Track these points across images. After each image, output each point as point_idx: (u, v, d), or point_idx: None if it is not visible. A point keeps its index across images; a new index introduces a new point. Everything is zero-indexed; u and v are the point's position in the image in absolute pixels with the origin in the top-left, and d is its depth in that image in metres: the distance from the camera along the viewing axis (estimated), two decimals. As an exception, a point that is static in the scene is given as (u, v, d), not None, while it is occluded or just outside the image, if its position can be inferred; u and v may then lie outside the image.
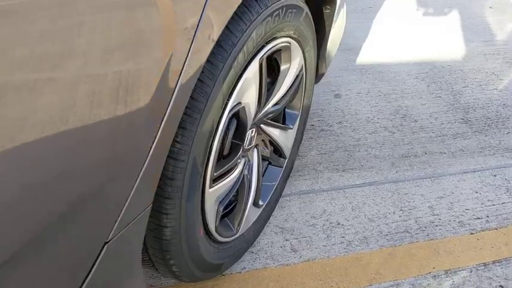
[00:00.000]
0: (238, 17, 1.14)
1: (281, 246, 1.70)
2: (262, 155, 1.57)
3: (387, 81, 2.62)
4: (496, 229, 1.80)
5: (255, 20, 1.17)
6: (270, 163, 1.66)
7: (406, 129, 2.27)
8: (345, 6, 2.01)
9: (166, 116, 0.93)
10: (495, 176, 2.04)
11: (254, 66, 1.25)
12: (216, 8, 0.99)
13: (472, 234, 1.78)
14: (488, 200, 1.92)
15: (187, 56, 0.93)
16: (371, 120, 2.33)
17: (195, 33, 0.93)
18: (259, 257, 1.66)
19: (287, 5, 1.29)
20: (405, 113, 2.38)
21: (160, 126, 0.92)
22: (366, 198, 1.91)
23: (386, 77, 2.66)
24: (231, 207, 1.50)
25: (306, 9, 1.43)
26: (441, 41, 2.99)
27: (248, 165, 1.47)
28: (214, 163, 1.22)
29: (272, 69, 1.47)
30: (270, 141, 1.58)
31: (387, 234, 1.77)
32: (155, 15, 0.83)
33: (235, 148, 1.36)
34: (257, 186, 1.54)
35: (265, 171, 1.66)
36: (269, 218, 1.74)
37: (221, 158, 1.33)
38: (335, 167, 2.05)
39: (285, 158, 1.69)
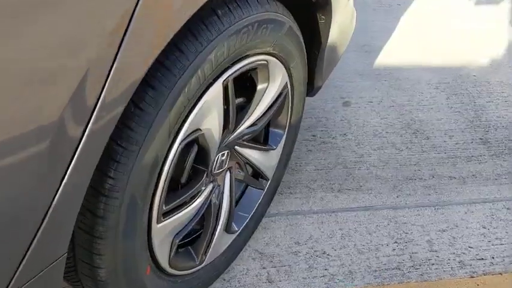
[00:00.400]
0: (192, 35, 1.00)
1: (256, 275, 1.57)
2: (237, 178, 1.42)
3: (403, 90, 2.41)
4: (501, 274, 1.61)
5: (214, 39, 1.02)
6: (248, 185, 1.52)
7: (416, 147, 2.08)
8: (352, 8, 1.82)
9: (77, 152, 0.80)
10: (508, 209, 1.83)
11: (216, 90, 1.10)
12: (149, 24, 0.84)
13: (472, 277, 1.60)
14: (497, 238, 1.72)
15: (107, 79, 0.79)
16: (379, 134, 2.14)
17: (117, 53, 0.78)
18: (231, 285, 1.53)
19: (260, 20, 1.13)
20: (417, 128, 2.18)
21: (68, 167, 0.79)
22: (358, 224, 1.75)
23: (403, 85, 2.45)
24: (197, 233, 1.37)
25: (290, 22, 1.27)
26: (471, 46, 2.75)
27: (218, 190, 1.34)
28: (163, 197, 1.08)
29: (248, 86, 1.32)
30: (247, 163, 1.43)
31: (376, 270, 1.60)
32: (64, 22, 0.70)
33: (198, 174, 1.23)
34: (229, 212, 1.40)
35: (242, 193, 1.52)
36: (247, 243, 1.61)
37: (180, 186, 1.20)
38: (330, 185, 1.89)
39: (267, 179, 1.54)
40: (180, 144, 1.06)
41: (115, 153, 0.94)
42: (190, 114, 1.05)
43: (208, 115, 1.11)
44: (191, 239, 1.35)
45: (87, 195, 0.95)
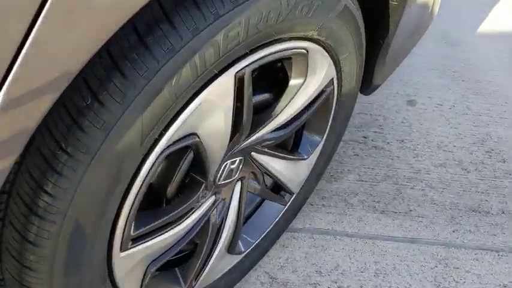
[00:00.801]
0: (193, 4, 0.68)
1: (261, 306, 1.28)
2: (250, 191, 1.12)
3: (483, 95, 2.00)
4: None
5: (226, 13, 0.71)
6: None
7: (488, 171, 1.69)
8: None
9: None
10: None
11: (223, 84, 0.79)
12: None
13: None
14: None
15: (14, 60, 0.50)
16: (444, 146, 1.77)
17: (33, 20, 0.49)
18: (228, 313, 1.26)
19: (300, -8, 0.80)
20: (493, 147, 1.78)
21: None
22: (399, 260, 1.41)
23: (484, 89, 2.04)
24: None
25: (346, 0, 0.92)
26: None
27: (222, 205, 1.04)
28: (130, 220, 0.80)
29: (276, 78, 1.00)
30: (266, 173, 1.12)
31: (410, 326, 1.28)
32: None
33: (193, 187, 0.93)
34: (235, 230, 1.11)
35: (257, 207, 1.22)
36: (256, 264, 1.32)
37: (164, 201, 0.91)
38: (374, 203, 1.55)
39: (291, 193, 1.23)
40: (160, 154, 0.76)
41: (55, 160, 0.66)
42: (179, 115, 0.75)
43: (209, 117, 0.80)
44: (179, 257, 1.08)
45: (15, 209, 0.69)
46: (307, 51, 0.92)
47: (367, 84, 1.30)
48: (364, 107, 1.89)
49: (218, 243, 1.08)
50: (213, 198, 1.00)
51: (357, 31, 1.02)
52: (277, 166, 1.11)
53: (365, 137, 1.78)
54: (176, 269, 1.06)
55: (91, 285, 0.81)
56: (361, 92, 1.35)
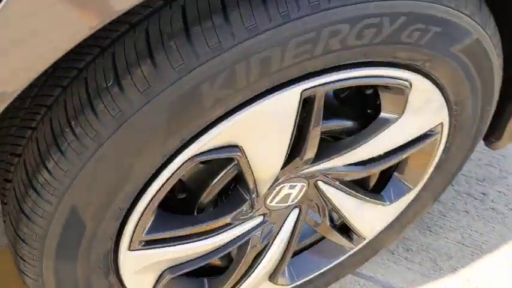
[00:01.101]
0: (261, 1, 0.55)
1: None
2: (308, 224, 0.97)
3: None
4: None
5: (299, 18, 0.56)
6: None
7: None
8: None
9: None
10: None
11: (281, 100, 0.65)
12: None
13: None
14: None
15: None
16: None
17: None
18: None
19: (408, 13, 0.62)
20: None
21: None
22: None
23: None
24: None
25: (480, 33, 0.72)
26: None
27: (269, 230, 0.91)
28: (143, 221, 0.70)
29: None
30: (333, 210, 0.96)
31: None
32: None
33: (234, 202, 0.82)
34: (280, 260, 0.98)
35: (318, 240, 1.06)
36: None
37: (196, 209, 0.81)
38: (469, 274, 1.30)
39: (362, 238, 1.05)
40: (189, 159, 0.65)
41: (62, 138, 0.58)
42: (218, 122, 0.63)
43: (259, 132, 0.67)
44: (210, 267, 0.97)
45: (19, 176, 0.63)
46: (410, 84, 0.74)
47: (495, 138, 1.07)
48: (495, 159, 1.60)
49: (256, 267, 0.96)
50: (259, 219, 0.88)
51: (487, 73, 0.81)
52: (348, 204, 0.94)
53: (484, 194, 1.50)
54: (205, 279, 0.96)
55: (87, 276, 0.73)
56: (486, 145, 1.11)
